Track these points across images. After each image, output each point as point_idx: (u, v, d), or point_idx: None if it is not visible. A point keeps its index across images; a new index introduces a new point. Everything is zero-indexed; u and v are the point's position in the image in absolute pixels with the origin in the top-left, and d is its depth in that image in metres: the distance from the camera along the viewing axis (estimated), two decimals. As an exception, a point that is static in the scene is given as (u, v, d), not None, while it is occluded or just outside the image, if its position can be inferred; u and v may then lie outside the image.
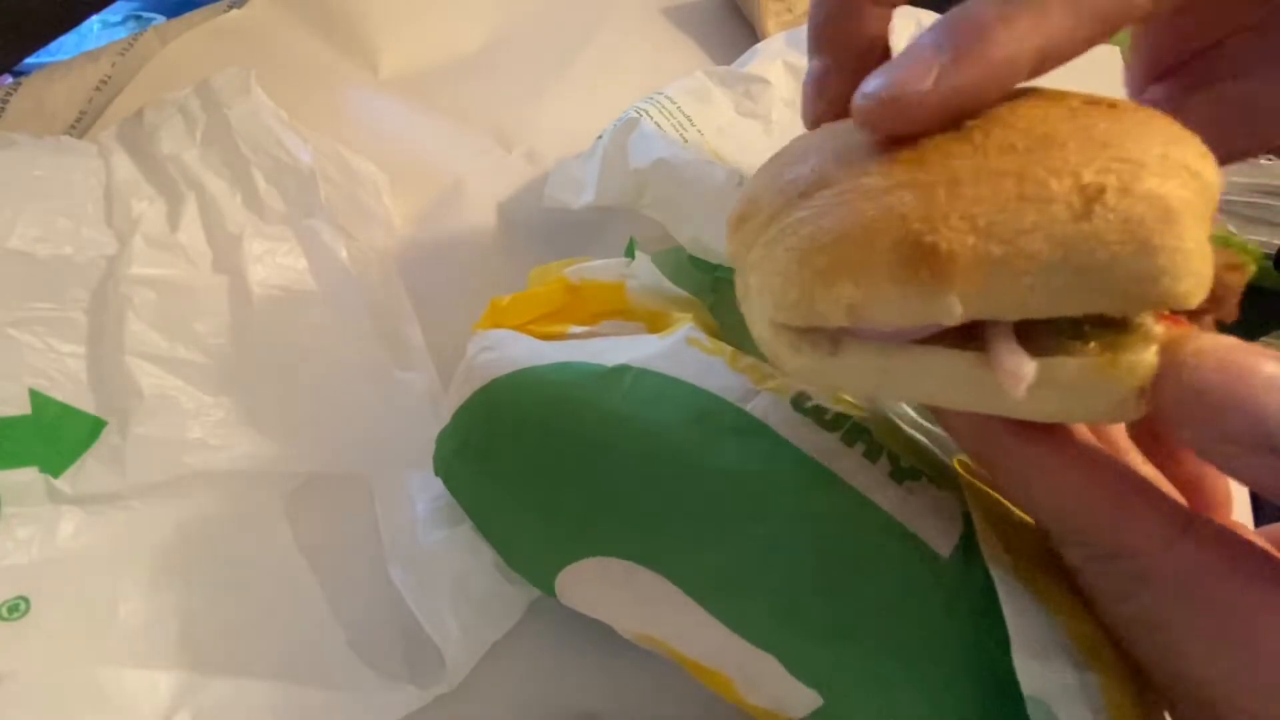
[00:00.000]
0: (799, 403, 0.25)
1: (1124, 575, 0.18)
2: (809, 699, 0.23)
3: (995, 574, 0.21)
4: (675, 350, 0.27)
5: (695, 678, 0.27)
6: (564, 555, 0.26)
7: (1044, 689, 0.19)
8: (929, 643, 0.21)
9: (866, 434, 0.25)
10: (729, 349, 0.27)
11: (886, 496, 0.23)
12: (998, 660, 0.20)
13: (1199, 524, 0.18)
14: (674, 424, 0.25)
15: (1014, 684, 0.19)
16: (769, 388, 0.26)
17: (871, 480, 0.23)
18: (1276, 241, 0.51)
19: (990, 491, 0.24)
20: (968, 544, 0.22)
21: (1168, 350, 0.16)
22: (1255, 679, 0.17)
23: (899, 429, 0.26)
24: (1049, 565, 0.22)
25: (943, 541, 0.22)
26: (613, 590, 0.26)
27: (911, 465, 0.24)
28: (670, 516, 0.24)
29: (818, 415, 0.25)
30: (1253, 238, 0.52)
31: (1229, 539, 0.18)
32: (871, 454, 0.24)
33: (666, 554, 0.24)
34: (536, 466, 0.26)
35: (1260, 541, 0.18)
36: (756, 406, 0.25)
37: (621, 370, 0.26)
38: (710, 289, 0.35)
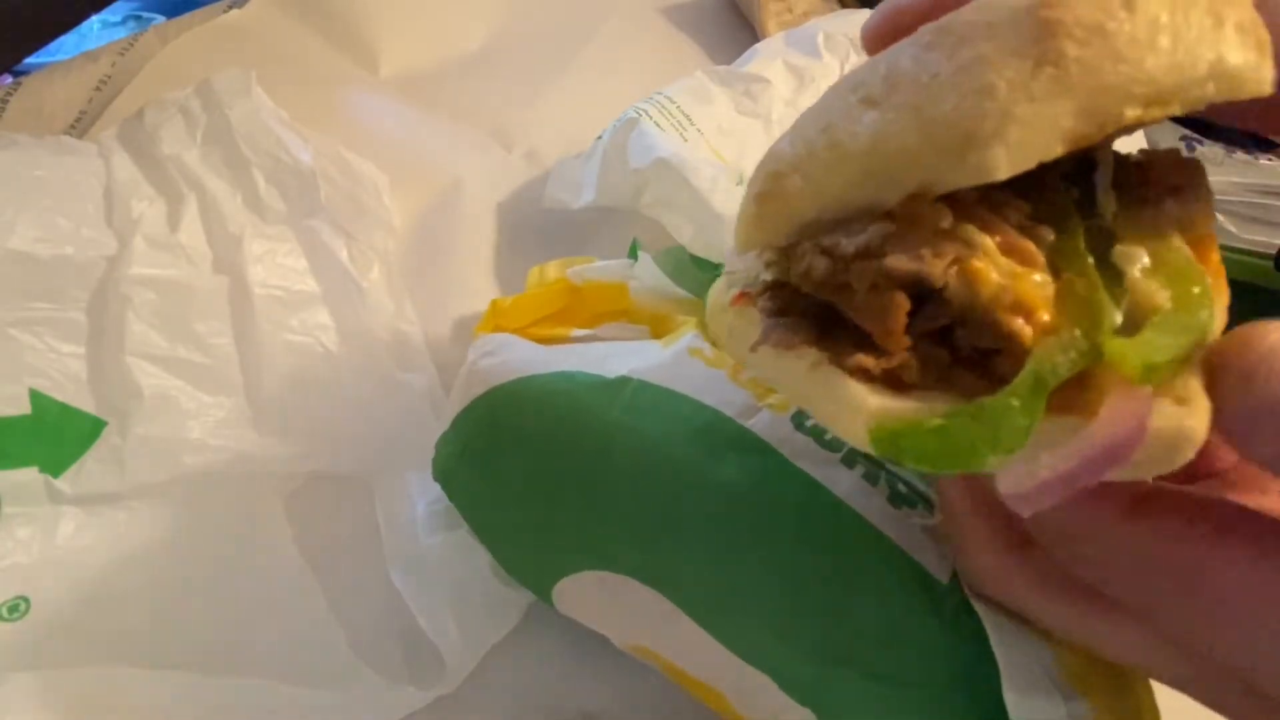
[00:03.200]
0: (799, 421, 0.25)
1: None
2: (804, 717, 0.23)
3: (977, 606, 0.21)
4: (677, 361, 0.27)
5: (690, 693, 0.27)
6: (562, 566, 0.26)
7: (1033, 718, 0.19)
8: (926, 667, 0.21)
9: (865, 457, 0.24)
10: (730, 360, 0.27)
11: (885, 520, 0.23)
12: (994, 686, 0.20)
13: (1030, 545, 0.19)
14: (674, 439, 0.25)
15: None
16: (769, 404, 0.25)
17: (871, 504, 0.23)
18: (1276, 241, 0.51)
19: None
20: None
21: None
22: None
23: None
24: None
25: (941, 567, 0.22)
26: (609, 603, 0.26)
27: (908, 492, 0.24)
28: (669, 532, 0.24)
29: (818, 435, 0.25)
30: (1252, 238, 0.52)
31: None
32: (871, 478, 0.24)
33: (664, 570, 0.24)
34: (536, 476, 0.26)
35: None
36: (757, 423, 0.25)
37: (622, 382, 0.26)
38: (711, 287, 0.35)
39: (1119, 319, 0.13)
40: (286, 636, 0.30)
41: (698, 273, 0.35)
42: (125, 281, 0.33)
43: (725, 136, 0.41)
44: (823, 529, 0.23)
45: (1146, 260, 0.14)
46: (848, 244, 0.14)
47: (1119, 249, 0.14)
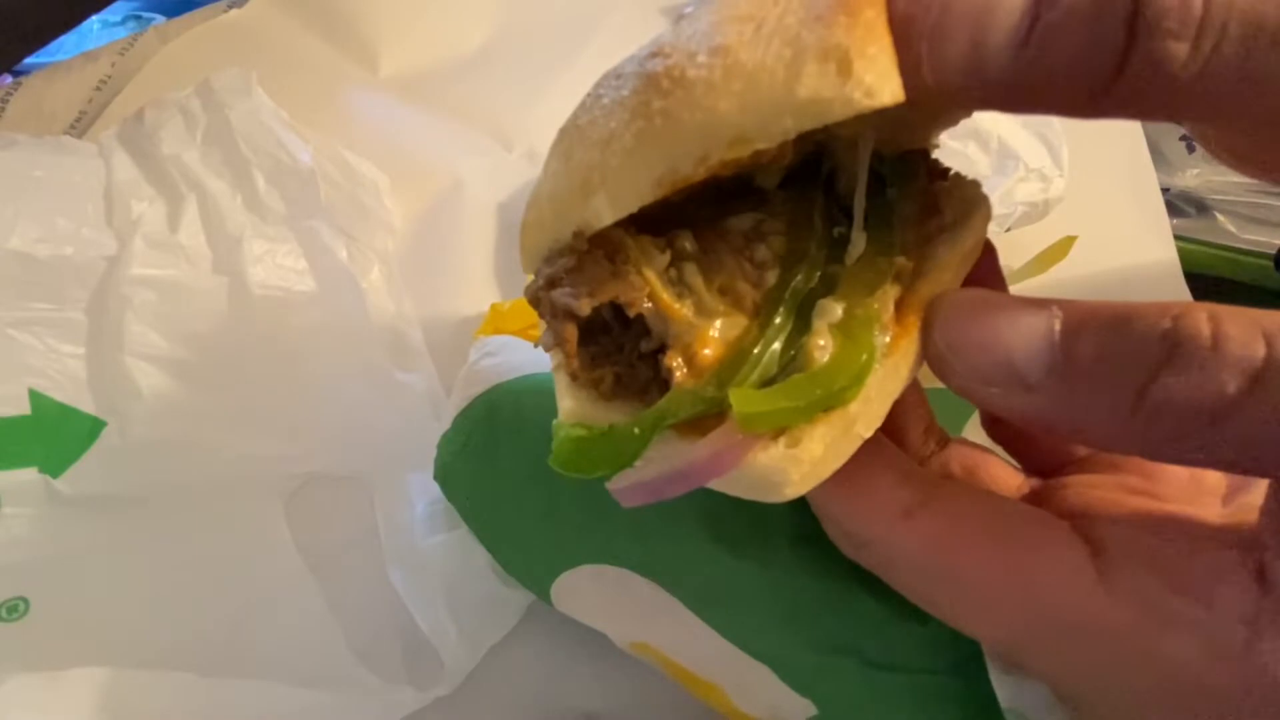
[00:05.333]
0: None
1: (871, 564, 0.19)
2: (803, 707, 0.23)
3: None
4: None
5: (688, 690, 0.27)
6: (561, 562, 0.26)
7: (1019, 701, 0.19)
8: (923, 653, 0.21)
9: None
10: None
11: None
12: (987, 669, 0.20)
13: (936, 500, 0.17)
14: None
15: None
16: None
17: None
18: (1276, 241, 0.51)
19: None
20: None
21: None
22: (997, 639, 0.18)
23: None
24: None
25: None
26: (608, 597, 0.26)
27: None
28: (668, 526, 0.24)
29: None
30: (1253, 238, 0.52)
31: (963, 510, 0.17)
32: None
33: (663, 563, 0.24)
34: (535, 472, 0.26)
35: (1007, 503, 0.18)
36: None
37: None
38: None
39: (769, 371, 0.15)
40: (286, 637, 0.30)
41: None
42: (125, 282, 0.33)
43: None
44: (820, 526, 0.23)
45: (839, 315, 0.15)
46: (543, 274, 0.16)
47: (822, 302, 0.15)
